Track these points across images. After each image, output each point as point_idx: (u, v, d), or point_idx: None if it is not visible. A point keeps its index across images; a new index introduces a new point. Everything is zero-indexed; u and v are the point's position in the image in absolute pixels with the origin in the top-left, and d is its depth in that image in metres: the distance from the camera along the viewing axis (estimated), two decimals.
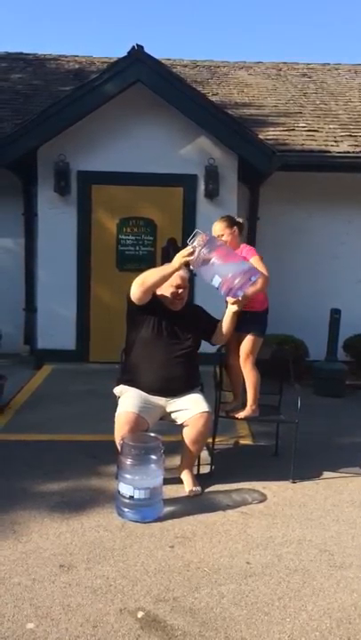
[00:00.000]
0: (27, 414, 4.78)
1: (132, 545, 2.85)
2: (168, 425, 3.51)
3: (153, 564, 2.68)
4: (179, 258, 3.20)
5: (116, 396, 3.53)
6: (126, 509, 3.08)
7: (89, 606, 2.36)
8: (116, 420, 3.32)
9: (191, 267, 3.24)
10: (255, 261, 3.74)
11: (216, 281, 3.19)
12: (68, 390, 5.50)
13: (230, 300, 3.44)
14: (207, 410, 3.37)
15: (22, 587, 2.48)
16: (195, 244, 3.17)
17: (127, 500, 3.06)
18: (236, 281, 3.16)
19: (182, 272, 3.37)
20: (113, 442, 3.41)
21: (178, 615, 2.33)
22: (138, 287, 3.34)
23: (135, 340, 3.49)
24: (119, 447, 3.27)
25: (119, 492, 3.11)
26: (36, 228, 6.56)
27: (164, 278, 3.34)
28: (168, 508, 3.19)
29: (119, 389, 3.52)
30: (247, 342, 3.89)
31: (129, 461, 3.08)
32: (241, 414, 3.88)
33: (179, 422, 3.42)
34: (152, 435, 3.24)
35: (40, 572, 2.60)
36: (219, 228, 3.92)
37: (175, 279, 3.39)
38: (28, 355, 6.72)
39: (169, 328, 3.45)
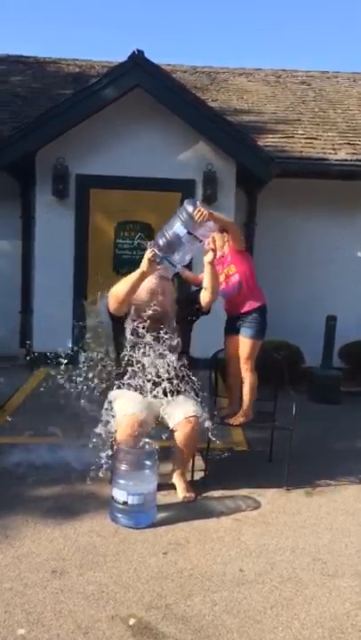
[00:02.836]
0: (21, 417, 4.76)
1: (126, 551, 2.83)
2: (162, 430, 3.50)
3: (146, 571, 2.67)
4: (144, 260, 3.24)
5: (109, 401, 3.51)
6: (120, 515, 3.07)
7: (81, 612, 2.35)
8: (118, 424, 3.31)
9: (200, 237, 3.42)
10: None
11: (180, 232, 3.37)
12: (63, 394, 5.47)
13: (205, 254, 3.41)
14: (193, 414, 3.36)
15: (14, 592, 2.47)
16: (157, 241, 3.33)
17: (121, 506, 3.05)
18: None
19: (154, 279, 3.38)
20: (108, 446, 3.41)
21: (170, 622, 2.32)
22: (112, 300, 3.36)
23: (123, 347, 3.48)
24: (124, 446, 3.26)
25: (113, 497, 3.10)
26: (34, 231, 6.56)
27: (135, 285, 3.34)
28: (162, 514, 3.18)
29: (113, 395, 3.51)
30: (246, 345, 3.90)
31: (123, 467, 3.07)
32: (235, 420, 3.88)
33: (170, 426, 3.42)
34: (147, 440, 3.23)
35: (32, 577, 2.58)
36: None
37: (149, 284, 3.38)
38: (23, 357, 6.70)
39: (153, 329, 3.40)
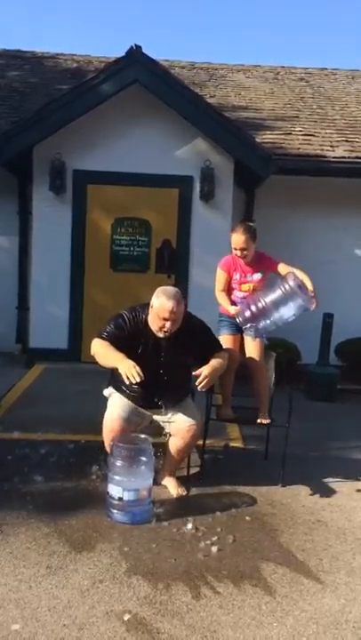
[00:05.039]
0: (17, 413, 4.76)
1: (121, 547, 2.83)
2: (158, 427, 3.50)
3: (141, 566, 2.67)
4: (128, 371, 3.03)
5: (105, 398, 3.52)
6: (115, 511, 3.06)
7: (75, 608, 2.35)
8: (103, 424, 3.35)
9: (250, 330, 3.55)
10: (284, 267, 3.98)
11: (286, 314, 3.53)
12: (59, 390, 5.48)
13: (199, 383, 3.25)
14: (195, 422, 3.35)
15: (8, 587, 2.47)
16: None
17: (116, 502, 3.05)
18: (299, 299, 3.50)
19: (171, 304, 3.12)
20: (103, 442, 3.41)
21: (165, 618, 2.32)
22: (93, 352, 3.28)
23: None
24: (108, 449, 3.28)
25: (108, 493, 3.10)
26: (31, 227, 6.54)
27: (109, 365, 3.23)
28: (157, 510, 3.18)
29: (109, 391, 3.50)
30: (260, 346, 3.92)
31: (119, 463, 3.07)
32: (265, 419, 3.87)
33: (166, 430, 3.42)
34: (142, 436, 3.23)
35: (27, 572, 2.58)
36: (242, 241, 3.89)
37: (163, 312, 3.13)
38: (19, 353, 6.69)
39: (156, 354, 3.26)
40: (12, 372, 5.98)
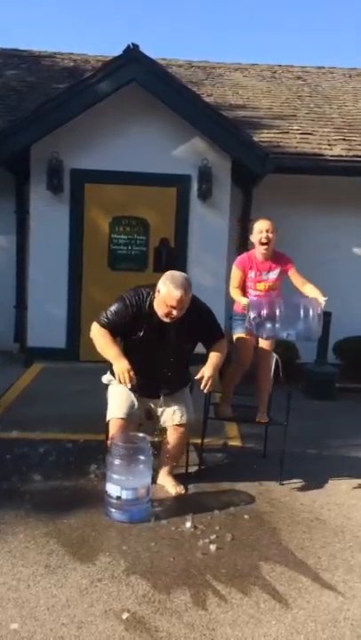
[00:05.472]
0: (15, 412, 4.75)
1: (119, 546, 2.83)
2: (154, 422, 3.51)
3: (139, 565, 2.67)
4: (122, 373, 3.12)
5: (104, 386, 3.48)
6: (113, 510, 3.06)
7: (74, 607, 2.35)
8: (109, 424, 3.34)
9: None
10: (295, 276, 4.03)
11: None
12: (57, 389, 5.48)
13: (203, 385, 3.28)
14: (182, 422, 3.35)
15: (7, 586, 2.47)
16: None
17: (114, 501, 3.05)
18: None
19: (179, 293, 3.08)
20: (101, 441, 3.41)
21: (163, 617, 2.32)
22: (92, 336, 3.29)
23: (126, 344, 3.36)
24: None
25: (107, 492, 3.09)
26: (28, 226, 6.53)
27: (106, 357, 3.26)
28: (156, 509, 3.18)
29: (108, 378, 3.45)
30: (271, 346, 3.96)
31: (117, 461, 3.07)
32: (263, 419, 3.88)
33: (162, 419, 3.40)
34: (141, 435, 3.23)
35: (25, 571, 2.58)
36: (268, 224, 3.98)
37: (171, 300, 3.09)
38: (17, 352, 6.69)
39: (159, 336, 3.25)
40: (11, 371, 5.97)
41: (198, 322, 3.32)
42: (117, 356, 3.20)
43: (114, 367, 3.21)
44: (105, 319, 3.26)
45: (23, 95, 7.79)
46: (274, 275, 4.02)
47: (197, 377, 3.27)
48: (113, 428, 3.31)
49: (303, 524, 3.18)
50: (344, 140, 7.01)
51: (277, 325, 3.60)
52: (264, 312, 3.60)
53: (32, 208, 6.43)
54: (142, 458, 3.11)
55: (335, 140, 7.01)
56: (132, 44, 5.94)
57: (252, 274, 3.99)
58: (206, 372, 3.26)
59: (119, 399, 3.36)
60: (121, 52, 6.01)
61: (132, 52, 5.96)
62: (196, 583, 2.56)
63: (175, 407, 3.38)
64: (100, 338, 3.26)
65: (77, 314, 6.47)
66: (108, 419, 3.35)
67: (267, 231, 3.94)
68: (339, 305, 6.34)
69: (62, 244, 6.40)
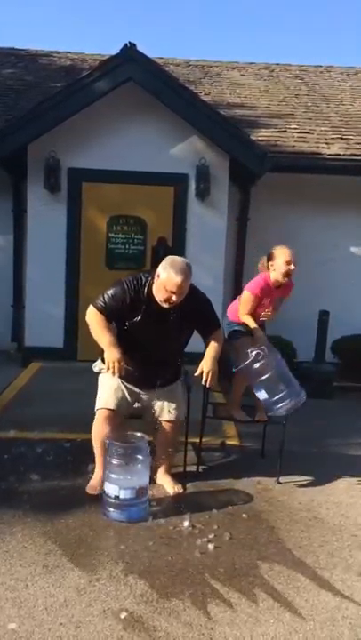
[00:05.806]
0: (13, 412, 4.74)
1: (117, 545, 2.83)
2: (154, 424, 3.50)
3: (137, 565, 2.67)
4: (112, 363, 3.09)
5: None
6: (112, 509, 3.06)
7: (72, 607, 2.35)
8: (95, 418, 3.30)
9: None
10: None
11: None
12: (54, 389, 5.46)
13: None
14: (175, 419, 3.33)
15: (5, 587, 2.46)
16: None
17: (112, 500, 3.04)
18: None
19: (179, 278, 3.03)
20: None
21: (161, 616, 2.32)
22: (87, 320, 3.24)
23: (119, 329, 3.27)
24: (99, 444, 3.26)
25: (105, 491, 3.09)
26: (26, 225, 6.52)
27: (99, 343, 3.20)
28: (154, 508, 3.17)
29: (99, 366, 3.37)
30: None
31: (115, 461, 3.06)
32: (263, 417, 3.88)
33: (154, 410, 3.36)
34: (139, 434, 3.23)
35: (23, 571, 2.57)
36: (294, 256, 3.92)
37: (171, 285, 3.05)
38: (15, 352, 6.68)
39: (157, 321, 3.18)
40: (8, 370, 5.96)
41: (196, 310, 3.28)
42: (111, 344, 3.14)
43: (105, 355, 3.16)
44: (102, 303, 3.19)
45: (20, 94, 7.77)
46: (279, 301, 4.09)
47: (197, 373, 3.24)
48: (99, 420, 3.27)
49: (301, 522, 3.18)
50: (342, 138, 7.01)
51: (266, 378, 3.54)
52: (261, 364, 3.51)
53: (29, 207, 6.41)
54: (140, 457, 3.11)
55: (333, 138, 7.01)
56: (130, 42, 5.93)
57: (266, 301, 3.98)
58: (205, 366, 3.24)
59: (109, 389, 3.30)
60: (118, 51, 6.00)
61: (130, 51, 5.95)
62: (194, 582, 2.55)
63: (168, 402, 3.34)
64: (94, 323, 3.20)
65: (75, 313, 6.44)
66: (96, 408, 3.31)
67: (294, 263, 3.88)
68: (337, 304, 6.37)
69: (60, 244, 6.39)
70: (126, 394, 3.31)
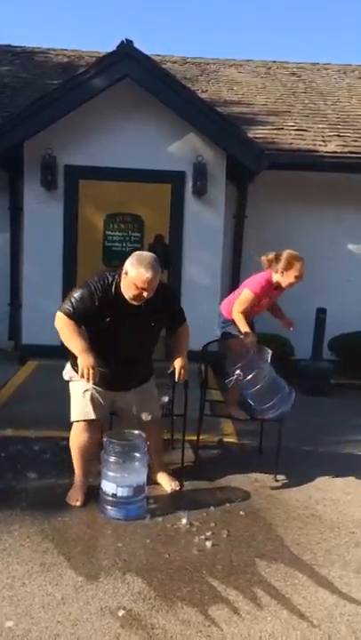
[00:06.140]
0: (10, 410, 4.73)
1: (115, 543, 2.83)
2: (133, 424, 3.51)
3: (135, 562, 2.67)
4: (86, 369, 2.97)
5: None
6: (109, 507, 3.05)
7: (69, 605, 2.34)
8: (73, 428, 3.24)
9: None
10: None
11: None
12: (51, 387, 5.37)
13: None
14: (151, 419, 3.29)
15: (2, 585, 2.46)
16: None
17: (110, 498, 3.04)
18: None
19: (150, 274, 2.95)
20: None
21: (159, 614, 2.31)
22: (56, 326, 3.14)
23: (91, 332, 3.14)
24: (77, 454, 3.24)
25: (102, 489, 3.08)
26: (22, 223, 6.50)
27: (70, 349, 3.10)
28: (151, 506, 3.17)
29: (69, 373, 3.29)
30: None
31: (112, 459, 3.06)
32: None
33: (127, 418, 3.32)
34: (136, 432, 3.22)
35: (20, 569, 2.57)
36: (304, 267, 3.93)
37: (141, 282, 2.96)
38: (12, 350, 6.66)
39: (127, 320, 3.08)
40: (5, 368, 5.95)
41: (164, 303, 3.20)
42: (83, 349, 3.02)
43: (78, 361, 3.02)
44: (69, 307, 3.07)
45: (16, 91, 7.74)
46: (273, 299, 4.11)
47: (170, 370, 3.21)
48: (78, 431, 3.21)
49: (299, 519, 3.18)
50: (339, 136, 7.00)
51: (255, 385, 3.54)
52: (251, 374, 3.49)
53: (26, 205, 6.39)
54: (138, 455, 3.11)
55: (330, 136, 7.00)
56: (126, 39, 5.91)
57: (264, 301, 3.98)
58: (178, 363, 3.21)
59: (84, 398, 3.20)
60: (115, 48, 5.98)
61: (126, 48, 5.93)
62: (191, 580, 2.55)
63: (143, 403, 3.28)
64: (64, 329, 3.08)
65: None
66: (72, 419, 3.24)
67: (303, 277, 3.91)
68: (334, 301, 6.37)
69: (56, 241, 6.37)
70: (101, 399, 3.20)
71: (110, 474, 3.05)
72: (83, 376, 3.00)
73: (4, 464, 3.65)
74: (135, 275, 2.97)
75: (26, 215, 6.41)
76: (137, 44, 5.95)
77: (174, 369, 3.21)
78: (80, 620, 2.25)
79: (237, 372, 3.47)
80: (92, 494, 3.21)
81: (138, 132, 6.24)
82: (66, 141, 6.24)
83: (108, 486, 3.05)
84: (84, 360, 3.00)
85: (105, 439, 3.19)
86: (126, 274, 3.02)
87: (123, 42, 5.92)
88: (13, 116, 6.22)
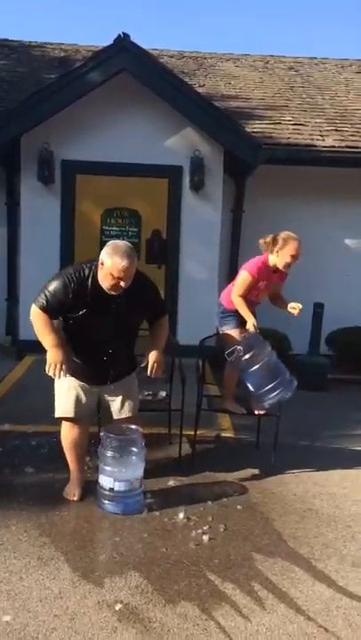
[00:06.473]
0: (7, 405, 4.73)
1: (112, 537, 2.83)
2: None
3: (132, 557, 2.67)
4: (54, 365, 3.00)
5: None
6: (106, 501, 3.06)
7: (67, 598, 2.35)
8: (62, 426, 3.23)
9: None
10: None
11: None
12: (49, 382, 5.41)
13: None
14: (130, 416, 3.25)
15: None
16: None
17: (107, 492, 3.04)
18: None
19: (125, 262, 2.89)
20: (94, 434, 3.39)
21: (156, 608, 2.32)
22: (31, 319, 3.15)
23: (67, 324, 3.15)
24: (69, 450, 3.23)
25: (99, 484, 3.09)
26: (19, 218, 6.48)
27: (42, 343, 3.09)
28: (149, 501, 3.17)
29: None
30: None
31: (109, 453, 3.06)
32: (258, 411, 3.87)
33: (113, 415, 3.28)
34: (133, 427, 3.22)
35: (18, 564, 2.57)
36: (300, 249, 3.97)
37: (117, 272, 2.90)
38: (9, 345, 6.65)
39: (105, 311, 3.03)
40: (2, 364, 5.94)
41: (143, 295, 3.14)
42: (53, 344, 3.01)
43: (47, 356, 3.01)
44: (43, 301, 3.04)
45: (13, 85, 7.70)
46: (272, 285, 4.05)
47: (143, 364, 3.17)
48: (65, 428, 3.21)
49: (296, 514, 3.18)
50: (336, 130, 6.99)
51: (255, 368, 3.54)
52: (251, 354, 3.51)
53: (22, 200, 6.37)
54: (135, 449, 3.11)
55: (327, 130, 6.99)
56: (123, 33, 5.88)
57: (261, 284, 3.95)
58: (151, 357, 3.16)
59: (66, 395, 3.18)
60: (111, 42, 5.95)
61: (123, 42, 5.90)
62: (189, 574, 2.56)
63: (123, 397, 3.25)
64: (37, 323, 3.07)
65: None
66: (56, 416, 3.23)
67: (298, 258, 3.90)
68: (331, 296, 6.36)
69: (53, 236, 6.35)
70: (82, 394, 3.18)
71: (108, 468, 3.05)
72: (49, 371, 3.00)
73: (1, 459, 3.66)
74: (111, 264, 2.92)
75: (23, 210, 6.39)
76: (134, 38, 5.93)
77: (147, 363, 3.17)
78: (77, 614, 2.25)
79: (238, 347, 3.49)
80: (90, 489, 3.22)
81: (135, 126, 6.22)
82: (63, 136, 6.22)
83: (105, 481, 3.05)
84: (53, 355, 3.01)
85: (102, 434, 3.19)
86: (102, 264, 2.97)
87: (119, 35, 5.89)
88: (10, 111, 6.19)
